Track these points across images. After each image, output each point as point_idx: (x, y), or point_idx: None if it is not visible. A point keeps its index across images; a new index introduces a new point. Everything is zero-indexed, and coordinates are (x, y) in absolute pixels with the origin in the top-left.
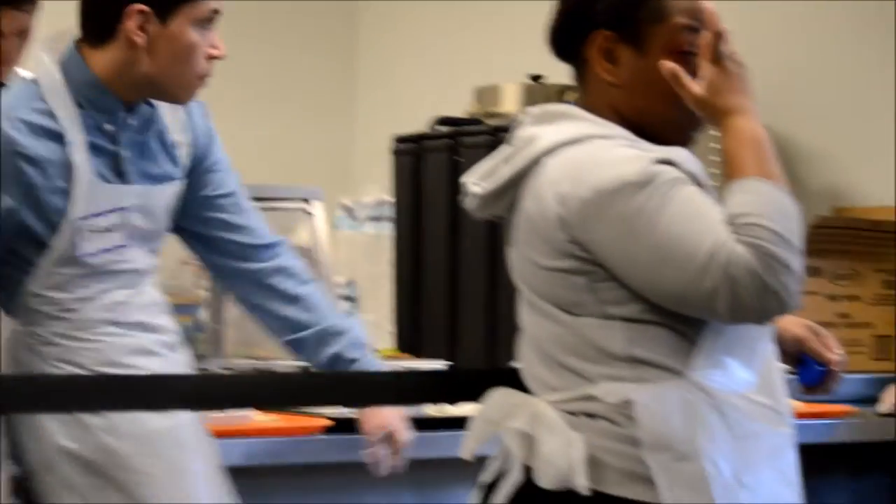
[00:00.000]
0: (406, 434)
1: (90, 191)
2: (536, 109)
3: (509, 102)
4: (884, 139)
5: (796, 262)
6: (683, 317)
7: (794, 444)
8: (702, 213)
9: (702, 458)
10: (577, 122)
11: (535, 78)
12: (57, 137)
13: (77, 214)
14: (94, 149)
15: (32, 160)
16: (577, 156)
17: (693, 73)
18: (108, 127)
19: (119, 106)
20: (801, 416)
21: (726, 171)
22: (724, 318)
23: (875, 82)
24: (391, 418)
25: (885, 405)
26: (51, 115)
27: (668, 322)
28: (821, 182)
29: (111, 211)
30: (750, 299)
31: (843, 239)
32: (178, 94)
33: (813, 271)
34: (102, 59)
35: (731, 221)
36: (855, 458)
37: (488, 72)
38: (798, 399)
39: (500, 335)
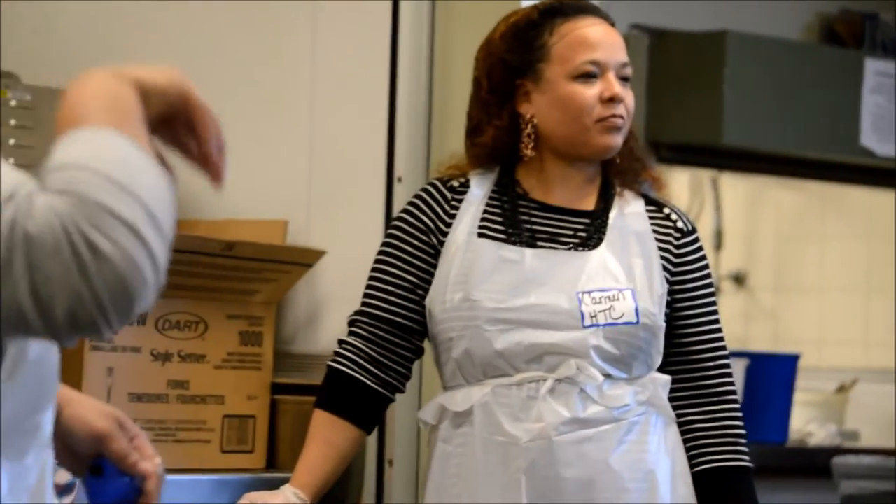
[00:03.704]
0: None
1: None
2: None
3: None
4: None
5: (140, 215)
6: None
7: None
8: None
9: None
10: None
11: None
12: None
13: None
14: None
15: None
16: None
17: None
18: None
19: None
20: None
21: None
22: (43, 323)
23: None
24: None
25: None
26: None
27: None
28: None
29: None
30: (60, 267)
31: (180, 269)
32: None
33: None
34: None
35: (45, 175)
36: None
37: None
38: None
39: None
